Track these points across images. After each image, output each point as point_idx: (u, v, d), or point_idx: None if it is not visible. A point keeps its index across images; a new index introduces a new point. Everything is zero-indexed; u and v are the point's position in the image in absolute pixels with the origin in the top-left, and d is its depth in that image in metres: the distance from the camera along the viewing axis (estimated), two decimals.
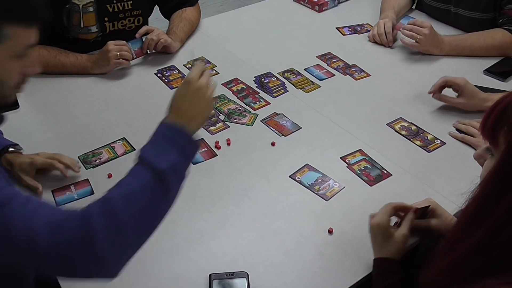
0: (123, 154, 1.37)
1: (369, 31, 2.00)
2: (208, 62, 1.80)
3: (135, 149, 1.38)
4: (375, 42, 1.92)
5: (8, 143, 1.26)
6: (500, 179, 0.75)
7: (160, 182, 0.83)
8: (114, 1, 1.76)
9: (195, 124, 0.92)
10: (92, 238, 0.77)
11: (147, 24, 1.92)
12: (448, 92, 1.53)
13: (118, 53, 1.66)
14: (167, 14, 1.95)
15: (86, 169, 1.31)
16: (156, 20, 2.00)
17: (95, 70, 1.69)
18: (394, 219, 1.11)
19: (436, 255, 0.85)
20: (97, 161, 1.34)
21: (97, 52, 1.71)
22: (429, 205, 1.14)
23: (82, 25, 1.73)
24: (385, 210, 1.08)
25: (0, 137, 1.28)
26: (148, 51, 1.78)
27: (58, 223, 0.77)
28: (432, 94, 1.54)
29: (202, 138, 1.42)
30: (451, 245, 0.83)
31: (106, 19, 1.77)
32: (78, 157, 1.35)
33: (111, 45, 1.67)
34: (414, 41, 1.78)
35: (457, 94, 1.52)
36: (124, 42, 1.71)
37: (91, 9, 1.72)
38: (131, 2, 1.79)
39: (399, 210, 1.11)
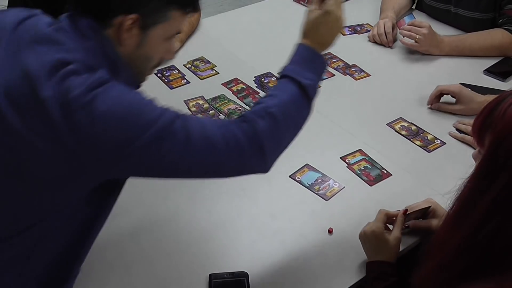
0: None
1: (369, 31, 2.00)
2: (208, 62, 1.80)
3: None
4: (375, 42, 1.92)
5: None
6: (481, 179, 0.76)
7: (304, 95, 0.97)
8: None
9: (325, 47, 1.06)
10: (258, 138, 0.89)
11: None
12: (447, 97, 1.53)
13: None
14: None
15: None
16: None
17: None
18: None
19: (425, 257, 0.85)
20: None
21: None
22: (430, 206, 1.14)
23: None
24: (379, 217, 1.08)
25: None
26: None
27: (227, 127, 0.89)
28: (430, 105, 1.54)
29: None
30: (436, 246, 0.83)
31: None
32: None
33: None
34: (414, 41, 1.78)
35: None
36: None
37: None
38: None
39: (392, 217, 1.11)
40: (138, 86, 0.96)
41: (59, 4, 1.66)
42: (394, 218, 1.10)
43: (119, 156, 0.80)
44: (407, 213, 1.11)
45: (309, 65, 1.02)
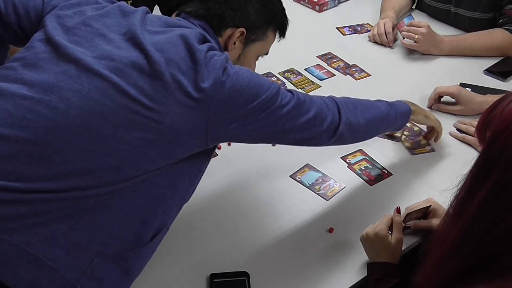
0: None
1: (369, 31, 2.00)
2: None
3: None
4: (375, 42, 1.92)
5: None
6: (476, 176, 0.76)
7: (394, 120, 1.22)
8: None
9: (418, 110, 1.32)
10: (339, 133, 1.07)
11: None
12: (447, 97, 1.53)
13: None
14: (169, 14, 1.93)
15: None
16: None
17: None
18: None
19: (425, 256, 0.85)
20: None
21: None
22: (430, 205, 1.13)
23: None
24: (384, 220, 1.08)
25: None
26: None
27: (328, 112, 1.05)
28: (430, 106, 1.54)
29: None
30: (434, 245, 0.83)
31: None
32: None
33: None
34: (413, 41, 1.78)
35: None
36: None
37: None
38: (130, 2, 1.78)
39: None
40: None
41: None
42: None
43: (245, 112, 0.93)
44: (408, 212, 1.11)
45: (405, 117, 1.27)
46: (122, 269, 0.91)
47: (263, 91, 0.94)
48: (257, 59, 1.14)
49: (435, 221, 1.12)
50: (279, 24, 1.12)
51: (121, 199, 0.88)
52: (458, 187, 0.81)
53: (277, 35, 1.15)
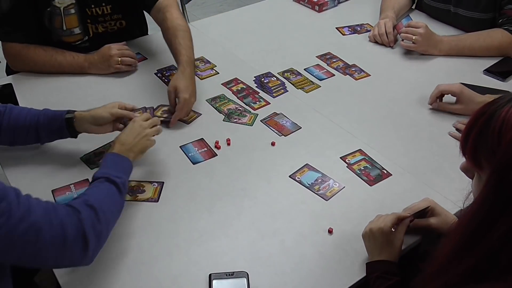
0: None
1: (369, 31, 2.00)
2: (208, 62, 1.80)
3: None
4: (376, 42, 1.92)
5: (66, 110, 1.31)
6: (489, 207, 0.72)
7: (119, 191, 1.08)
8: (92, 6, 1.72)
9: (134, 152, 1.19)
10: (82, 226, 0.93)
11: (133, 27, 1.85)
12: (448, 96, 1.53)
13: (120, 59, 1.66)
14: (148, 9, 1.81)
15: (91, 169, 1.31)
16: (157, 27, 1.99)
17: (92, 71, 1.69)
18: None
19: (427, 273, 0.83)
20: (100, 161, 1.33)
21: (95, 52, 1.70)
22: (429, 206, 1.14)
23: (64, 27, 1.70)
24: (390, 218, 1.07)
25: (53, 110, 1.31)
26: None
27: (55, 212, 0.91)
28: (430, 104, 1.54)
29: (202, 138, 1.42)
30: (443, 267, 0.80)
31: (88, 21, 1.74)
32: (80, 158, 1.35)
33: (114, 49, 1.66)
34: (411, 42, 1.79)
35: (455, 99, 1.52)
36: (126, 46, 1.71)
37: (72, 11, 1.69)
38: (110, 6, 1.76)
39: (402, 219, 1.10)
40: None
41: None
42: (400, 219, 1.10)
43: None
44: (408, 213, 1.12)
45: (120, 167, 1.14)
46: None
47: None
48: None
49: (434, 220, 1.12)
50: None
51: None
52: (469, 206, 0.77)
53: None
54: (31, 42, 1.66)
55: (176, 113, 1.46)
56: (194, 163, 1.34)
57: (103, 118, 1.28)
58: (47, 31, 1.70)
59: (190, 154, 1.37)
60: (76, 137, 1.30)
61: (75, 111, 1.29)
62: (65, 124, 1.27)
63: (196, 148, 1.39)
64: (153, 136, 1.26)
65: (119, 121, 1.32)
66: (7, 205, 0.83)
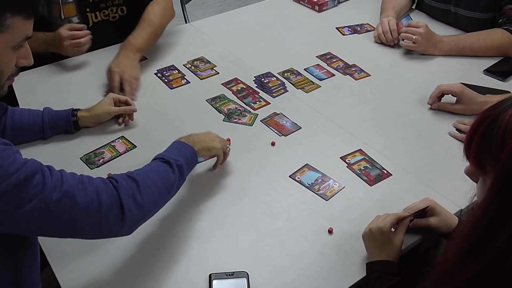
0: (125, 152, 1.38)
1: (369, 31, 2.00)
2: (208, 62, 1.80)
3: (136, 146, 1.40)
4: (375, 42, 1.92)
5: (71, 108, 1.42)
6: (494, 212, 0.71)
7: (172, 169, 1.05)
8: None
9: (200, 146, 1.19)
10: (120, 201, 0.92)
11: (134, 14, 1.82)
12: (448, 96, 1.53)
13: (71, 42, 1.64)
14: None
15: (91, 169, 1.31)
16: None
17: (54, 50, 1.68)
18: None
19: (431, 279, 0.82)
20: (100, 161, 1.34)
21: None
22: (428, 206, 1.14)
23: (62, 17, 1.68)
24: (390, 218, 1.07)
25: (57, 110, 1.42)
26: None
27: (90, 182, 0.92)
28: (430, 104, 1.54)
29: None
30: (447, 273, 0.79)
31: (88, 9, 1.73)
32: (80, 158, 1.35)
33: (64, 32, 1.62)
34: (412, 42, 1.79)
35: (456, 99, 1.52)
36: (80, 26, 1.66)
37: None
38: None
39: (401, 219, 1.10)
40: None
41: None
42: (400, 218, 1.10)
43: None
44: (408, 213, 1.12)
45: (181, 152, 1.13)
46: None
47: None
48: (20, 47, 0.95)
49: (433, 219, 1.12)
50: (17, 8, 0.90)
51: None
52: (474, 208, 0.76)
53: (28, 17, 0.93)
54: None
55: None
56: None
57: (104, 118, 1.44)
58: (45, 22, 1.69)
59: None
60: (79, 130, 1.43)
61: (78, 110, 1.42)
62: (73, 125, 1.41)
63: None
64: (221, 147, 1.27)
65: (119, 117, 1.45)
66: (40, 176, 0.85)
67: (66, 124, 1.40)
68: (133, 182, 0.96)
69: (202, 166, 1.33)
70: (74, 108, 1.43)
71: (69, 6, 1.69)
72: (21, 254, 0.96)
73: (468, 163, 0.79)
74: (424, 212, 1.15)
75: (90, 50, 1.73)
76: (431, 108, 1.55)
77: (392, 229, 1.07)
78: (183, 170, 1.09)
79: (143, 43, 1.70)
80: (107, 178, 0.97)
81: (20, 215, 0.82)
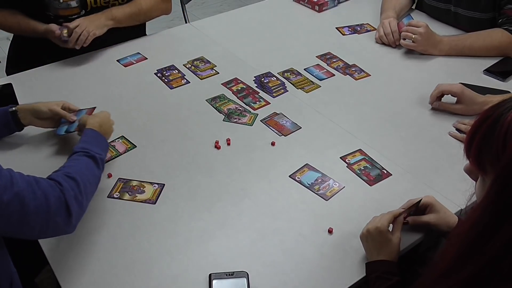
0: (125, 152, 1.38)
1: (369, 31, 2.00)
2: (208, 62, 1.80)
3: (136, 146, 1.40)
4: (376, 42, 1.92)
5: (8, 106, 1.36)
6: (493, 213, 0.71)
7: (97, 166, 1.14)
8: None
9: (107, 135, 1.31)
10: (64, 196, 0.97)
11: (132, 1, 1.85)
12: (448, 96, 1.53)
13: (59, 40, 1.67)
14: None
15: None
16: (157, 20, 2.00)
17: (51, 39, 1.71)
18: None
19: (429, 279, 0.82)
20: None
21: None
22: (421, 199, 1.13)
23: (61, 0, 1.69)
24: (387, 217, 1.07)
25: None
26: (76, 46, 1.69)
27: (37, 184, 0.94)
28: (431, 104, 1.54)
29: None
30: (444, 273, 0.78)
31: None
32: None
33: (54, 31, 1.66)
34: (411, 41, 1.79)
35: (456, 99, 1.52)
36: (72, 27, 1.67)
37: None
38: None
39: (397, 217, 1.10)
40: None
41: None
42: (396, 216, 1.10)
43: None
44: (403, 209, 1.12)
45: (98, 143, 1.21)
46: None
47: None
48: None
49: (432, 216, 1.12)
50: None
51: None
52: (473, 208, 0.76)
53: None
54: (4, 7, 1.71)
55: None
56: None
57: (42, 112, 1.35)
58: (43, 5, 1.70)
59: None
60: (21, 130, 1.37)
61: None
62: (11, 117, 1.33)
63: None
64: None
65: (57, 118, 1.38)
66: None
67: (7, 118, 1.33)
68: (74, 183, 1.01)
69: (202, 166, 1.33)
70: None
71: None
72: None
73: (465, 160, 0.79)
74: (421, 209, 1.15)
75: (89, 46, 1.73)
76: (431, 108, 1.55)
77: (389, 229, 1.07)
78: (103, 163, 1.18)
79: (121, 15, 1.78)
80: (49, 178, 1.00)
81: None
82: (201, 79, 1.70)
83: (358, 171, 1.33)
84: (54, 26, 1.66)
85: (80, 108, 1.43)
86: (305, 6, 2.20)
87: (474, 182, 0.81)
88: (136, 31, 1.94)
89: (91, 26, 1.68)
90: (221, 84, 1.67)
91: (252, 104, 1.58)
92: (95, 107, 1.44)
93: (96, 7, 1.77)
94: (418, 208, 1.15)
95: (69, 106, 1.41)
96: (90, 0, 1.74)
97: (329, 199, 1.25)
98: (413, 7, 2.16)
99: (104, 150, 1.22)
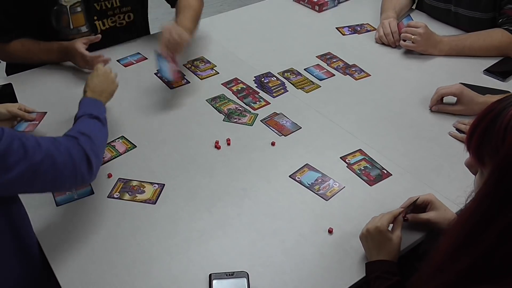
0: (125, 152, 1.38)
1: (369, 31, 2.00)
2: (208, 62, 1.80)
3: (136, 146, 1.40)
4: (376, 42, 1.92)
5: None
6: (489, 204, 0.72)
7: (102, 124, 1.21)
8: (101, 0, 1.73)
9: (104, 95, 1.33)
10: (82, 148, 1.04)
11: (140, 20, 1.88)
12: (448, 96, 1.53)
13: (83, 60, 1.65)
14: (173, 3, 1.89)
15: None
16: (156, 20, 2.00)
17: (68, 60, 1.70)
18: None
19: (424, 273, 0.83)
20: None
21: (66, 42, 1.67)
22: (418, 197, 1.14)
23: (71, 26, 1.71)
24: (386, 217, 1.08)
25: None
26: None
27: (59, 142, 1.02)
28: (430, 107, 1.54)
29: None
30: (439, 266, 0.79)
31: (95, 17, 1.74)
32: None
33: (80, 47, 1.63)
34: (411, 42, 1.79)
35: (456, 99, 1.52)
36: (94, 38, 1.67)
37: (79, 9, 1.69)
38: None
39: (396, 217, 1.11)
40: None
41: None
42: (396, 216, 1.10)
43: None
44: (402, 208, 1.12)
45: (97, 107, 1.25)
46: None
47: None
48: None
49: (432, 214, 1.12)
50: None
51: None
52: (469, 202, 0.77)
53: None
54: (11, 38, 1.67)
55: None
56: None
57: (1, 114, 1.36)
58: (54, 31, 1.70)
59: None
60: None
61: None
62: None
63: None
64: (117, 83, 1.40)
65: (15, 119, 1.38)
66: (19, 142, 0.91)
67: None
68: (87, 137, 1.08)
69: (202, 166, 1.33)
70: None
71: (78, 16, 1.70)
72: (11, 212, 1.02)
73: (467, 157, 0.80)
74: (422, 207, 1.15)
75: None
76: (431, 110, 1.55)
77: (389, 228, 1.07)
78: (106, 122, 1.24)
79: (189, 23, 1.70)
80: (64, 136, 1.08)
81: (10, 180, 0.89)
82: (201, 79, 1.70)
83: (358, 171, 1.33)
84: (79, 45, 1.62)
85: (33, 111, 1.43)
86: (305, 6, 2.20)
87: (472, 180, 0.82)
88: (143, 24, 1.95)
89: (178, 30, 1.59)
90: (221, 84, 1.67)
91: (252, 104, 1.58)
92: (46, 112, 1.42)
93: (105, 29, 1.78)
94: (418, 206, 1.15)
95: (25, 108, 1.41)
96: (99, 23, 1.76)
97: (329, 199, 1.25)
98: (413, 7, 2.16)
99: (104, 111, 1.27)
